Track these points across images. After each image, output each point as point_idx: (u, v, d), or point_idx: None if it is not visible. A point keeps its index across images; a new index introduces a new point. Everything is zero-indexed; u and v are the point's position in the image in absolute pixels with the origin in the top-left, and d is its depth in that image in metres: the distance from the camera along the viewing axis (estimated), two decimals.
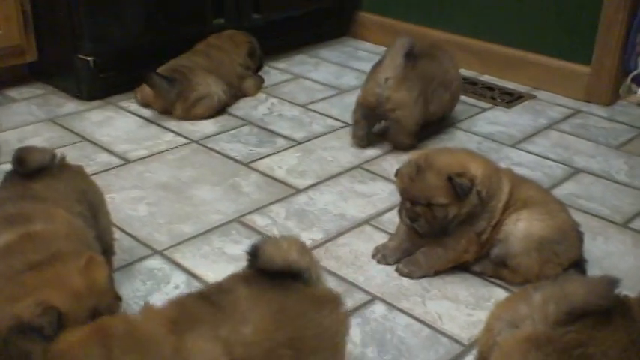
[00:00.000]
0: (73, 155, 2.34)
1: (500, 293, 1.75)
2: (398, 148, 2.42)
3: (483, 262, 1.80)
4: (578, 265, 1.77)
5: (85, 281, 1.31)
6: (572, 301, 1.22)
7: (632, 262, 1.88)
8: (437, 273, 1.80)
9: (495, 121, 2.71)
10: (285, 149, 2.44)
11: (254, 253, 1.29)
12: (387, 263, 1.84)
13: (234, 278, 1.30)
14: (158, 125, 2.60)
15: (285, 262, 1.27)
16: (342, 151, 2.43)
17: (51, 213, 1.47)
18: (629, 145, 2.54)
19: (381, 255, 1.86)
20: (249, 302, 1.23)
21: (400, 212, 1.80)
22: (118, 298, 1.45)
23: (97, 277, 1.34)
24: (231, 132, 2.56)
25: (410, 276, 1.80)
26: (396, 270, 1.82)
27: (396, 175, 1.78)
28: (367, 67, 3.07)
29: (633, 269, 1.84)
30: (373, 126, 2.47)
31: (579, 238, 1.80)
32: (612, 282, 1.25)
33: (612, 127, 2.67)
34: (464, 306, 1.71)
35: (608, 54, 2.81)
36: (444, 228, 1.74)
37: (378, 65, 2.40)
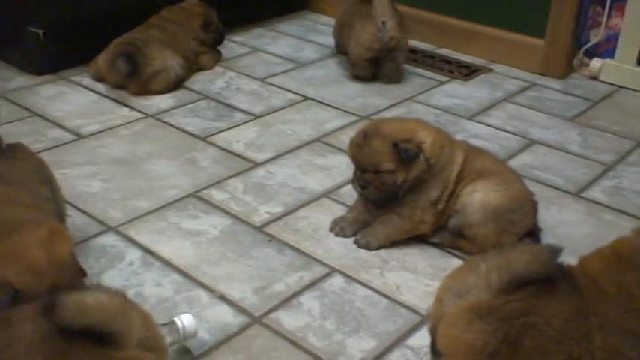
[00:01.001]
0: (23, 131, 2.27)
1: (457, 263, 1.72)
2: (393, 81, 2.72)
3: (441, 233, 1.79)
4: (533, 233, 1.77)
5: (45, 254, 1.22)
6: (514, 269, 1.21)
7: (585, 230, 1.89)
8: (395, 244, 1.78)
9: (453, 94, 2.69)
10: (244, 123, 2.39)
11: (51, 306, 1.05)
12: (345, 236, 1.82)
13: (27, 311, 1.08)
14: (112, 100, 2.53)
15: (88, 321, 1.05)
16: (301, 125, 2.39)
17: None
18: (582, 117, 2.55)
19: (339, 228, 1.83)
20: (26, 346, 1.02)
21: (353, 181, 1.78)
22: (83, 273, 1.35)
23: (59, 250, 1.25)
24: (188, 106, 2.49)
25: (367, 247, 1.77)
26: (354, 242, 1.79)
27: (350, 141, 1.77)
28: (326, 40, 3.07)
29: (586, 237, 1.85)
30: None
31: (534, 207, 1.80)
32: (555, 250, 1.24)
33: (566, 100, 2.68)
34: (422, 276, 1.70)
35: (561, 27, 2.81)
36: (393, 194, 1.72)
37: (364, 16, 2.60)
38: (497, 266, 1.23)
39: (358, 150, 1.73)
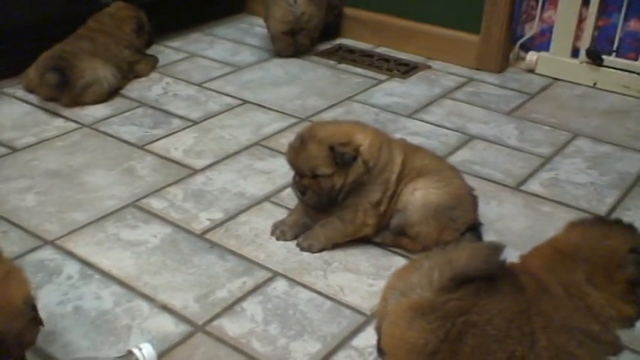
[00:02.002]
0: None
1: (400, 262, 1.75)
2: (303, 50, 2.98)
3: (383, 232, 1.80)
4: (474, 228, 1.80)
5: None
6: (455, 267, 1.22)
7: (524, 223, 1.93)
8: (337, 246, 1.79)
9: (392, 92, 2.72)
10: (182, 129, 2.37)
11: None
12: (286, 239, 1.82)
13: None
14: (46, 111, 2.48)
15: None
16: (239, 129, 2.38)
17: None
18: (520, 111, 2.60)
19: (280, 231, 1.83)
20: None
21: (292, 186, 1.78)
22: (38, 323, 1.23)
23: (11, 295, 1.16)
24: (125, 114, 2.46)
25: (309, 250, 1.78)
26: (297, 245, 1.80)
27: (288, 147, 1.77)
28: (263, 43, 3.07)
29: (525, 229, 1.89)
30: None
31: (474, 202, 1.82)
32: (496, 248, 1.25)
33: (503, 94, 2.73)
34: (365, 277, 1.71)
35: (496, 23, 2.86)
36: (333, 199, 1.73)
37: None
38: (439, 264, 1.24)
39: (295, 155, 1.73)
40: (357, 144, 1.71)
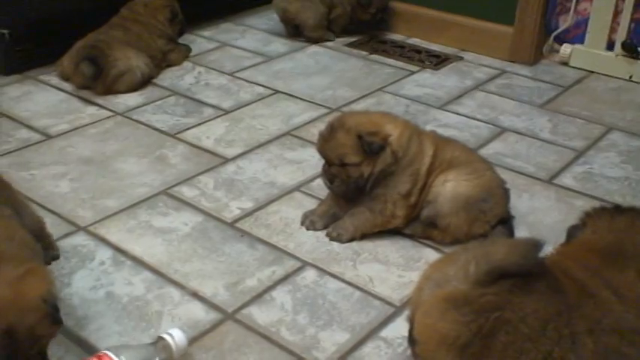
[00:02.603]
0: None
1: (430, 254, 1.75)
2: (309, 41, 3.02)
3: (413, 224, 1.79)
4: (505, 221, 1.78)
5: (9, 293, 1.14)
6: (492, 260, 1.21)
7: (556, 217, 1.91)
8: (367, 237, 1.79)
9: (423, 83, 2.70)
10: (213, 119, 2.38)
11: None
12: (316, 229, 1.82)
13: None
14: (80, 98, 2.50)
15: None
16: (270, 119, 2.39)
17: None
18: (553, 103, 2.57)
19: (309, 221, 1.83)
20: None
21: (322, 175, 1.79)
22: (56, 321, 1.21)
23: (28, 291, 1.16)
24: (157, 103, 2.48)
25: (339, 240, 1.78)
26: (326, 235, 1.80)
27: (318, 135, 1.78)
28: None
29: (557, 223, 1.87)
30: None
31: (506, 195, 1.81)
32: (535, 244, 1.23)
33: (536, 86, 2.70)
34: (395, 268, 1.71)
35: (530, 14, 2.82)
36: (360, 188, 1.73)
37: None
38: (476, 257, 1.23)
39: (324, 143, 1.74)
40: (386, 134, 1.71)
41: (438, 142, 1.79)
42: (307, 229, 1.83)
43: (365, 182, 1.73)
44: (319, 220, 1.83)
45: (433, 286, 1.26)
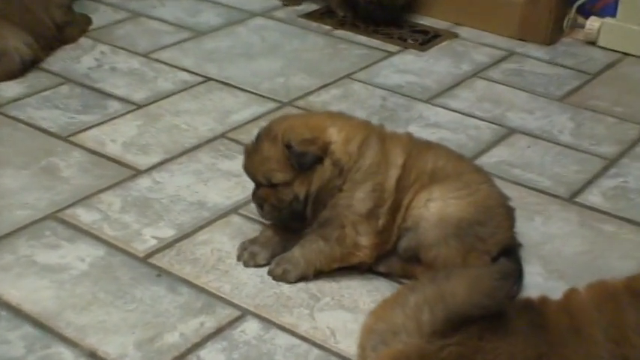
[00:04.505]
0: None
1: None
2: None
3: (390, 259, 1.81)
4: (510, 252, 1.81)
5: None
6: (450, 305, 1.24)
7: (579, 247, 1.94)
8: (329, 274, 1.80)
9: (405, 68, 2.74)
10: (121, 115, 2.39)
11: None
12: (257, 264, 1.84)
13: None
14: None
15: None
16: (199, 116, 2.40)
17: None
18: (576, 96, 2.62)
19: (249, 254, 1.85)
20: None
21: (252, 199, 1.83)
22: None
23: None
24: (44, 94, 2.48)
25: (284, 278, 1.79)
26: (269, 273, 1.81)
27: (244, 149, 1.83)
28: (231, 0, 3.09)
29: (580, 255, 1.90)
30: None
31: (509, 215, 1.84)
32: (505, 274, 1.26)
33: (555, 73, 2.75)
34: (365, 317, 1.72)
35: None
36: (298, 213, 1.76)
37: None
38: (428, 301, 1.26)
39: (247, 158, 1.78)
40: (326, 141, 1.73)
41: (412, 149, 1.82)
42: (246, 264, 1.84)
43: (303, 206, 1.75)
44: (262, 252, 1.84)
45: (378, 342, 1.28)
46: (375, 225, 1.77)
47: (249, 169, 1.79)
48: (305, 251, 1.79)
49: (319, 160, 1.72)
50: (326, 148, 1.73)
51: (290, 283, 1.79)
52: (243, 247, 1.87)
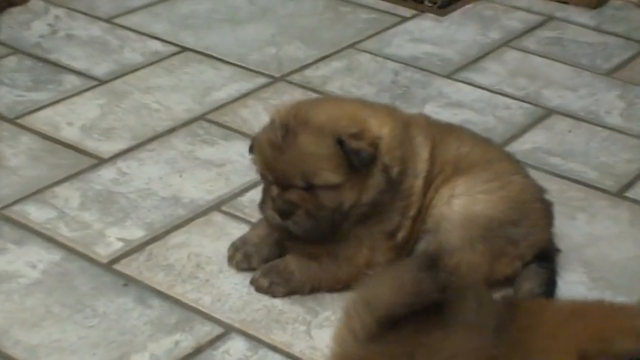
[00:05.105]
0: None
1: None
2: None
3: None
4: (546, 257, 1.82)
5: None
6: (376, 308, 1.30)
7: (630, 250, 1.95)
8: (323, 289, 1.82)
9: (421, 36, 2.74)
10: (79, 93, 2.40)
11: None
12: (251, 267, 1.84)
13: None
14: None
15: None
16: (174, 94, 2.41)
17: None
18: (627, 70, 2.63)
19: (242, 255, 1.85)
20: None
21: (263, 204, 1.78)
22: None
23: None
24: None
25: (271, 293, 1.80)
26: (252, 282, 1.81)
27: (251, 147, 1.78)
28: None
29: (632, 260, 1.91)
30: None
31: (547, 212, 1.85)
32: (426, 265, 1.32)
33: (601, 42, 2.76)
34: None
35: None
36: (334, 226, 1.74)
37: None
38: (357, 307, 1.33)
39: (276, 153, 1.72)
40: (374, 135, 1.71)
41: (436, 135, 1.82)
42: (238, 267, 1.85)
43: (344, 217, 1.74)
44: (257, 253, 1.85)
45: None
46: (394, 240, 1.79)
47: (279, 167, 1.72)
48: (303, 265, 1.80)
49: (373, 159, 1.70)
50: (376, 145, 1.70)
51: (275, 297, 1.80)
52: (235, 248, 1.87)
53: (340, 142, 1.68)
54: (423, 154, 1.78)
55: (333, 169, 1.69)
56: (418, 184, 1.77)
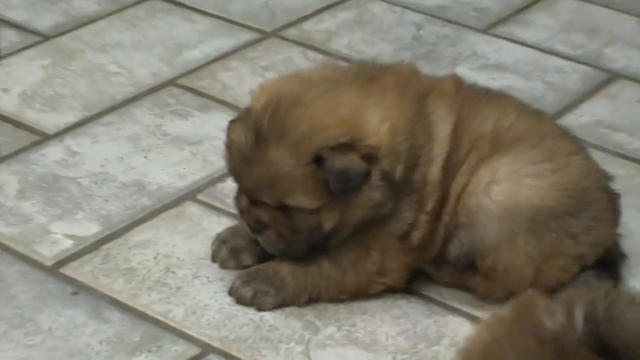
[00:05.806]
0: None
1: (459, 325, 1.78)
2: None
3: (441, 265, 1.84)
4: (610, 261, 1.82)
5: None
6: None
7: None
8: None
9: None
10: (18, 52, 2.42)
11: None
12: (240, 265, 1.86)
13: None
14: None
15: None
16: (137, 52, 2.43)
17: None
18: None
19: (229, 250, 1.87)
20: None
21: (236, 204, 1.80)
22: None
23: None
24: None
25: (257, 305, 1.80)
26: (231, 291, 1.82)
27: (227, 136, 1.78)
28: None
29: None
30: None
31: (612, 203, 1.85)
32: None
33: None
34: (388, 356, 1.74)
35: None
36: (313, 245, 1.76)
37: None
38: None
39: (244, 162, 1.74)
40: (370, 142, 1.71)
41: (465, 103, 1.82)
42: (224, 265, 1.87)
43: (327, 235, 1.75)
44: (249, 248, 1.87)
45: None
46: (409, 241, 1.80)
47: (246, 178, 1.75)
48: (298, 270, 1.81)
49: (365, 176, 1.70)
50: (372, 156, 1.70)
51: (262, 311, 1.80)
52: (220, 241, 1.89)
53: (317, 160, 1.68)
54: (441, 131, 1.79)
55: (309, 192, 1.71)
56: (434, 170, 1.78)
